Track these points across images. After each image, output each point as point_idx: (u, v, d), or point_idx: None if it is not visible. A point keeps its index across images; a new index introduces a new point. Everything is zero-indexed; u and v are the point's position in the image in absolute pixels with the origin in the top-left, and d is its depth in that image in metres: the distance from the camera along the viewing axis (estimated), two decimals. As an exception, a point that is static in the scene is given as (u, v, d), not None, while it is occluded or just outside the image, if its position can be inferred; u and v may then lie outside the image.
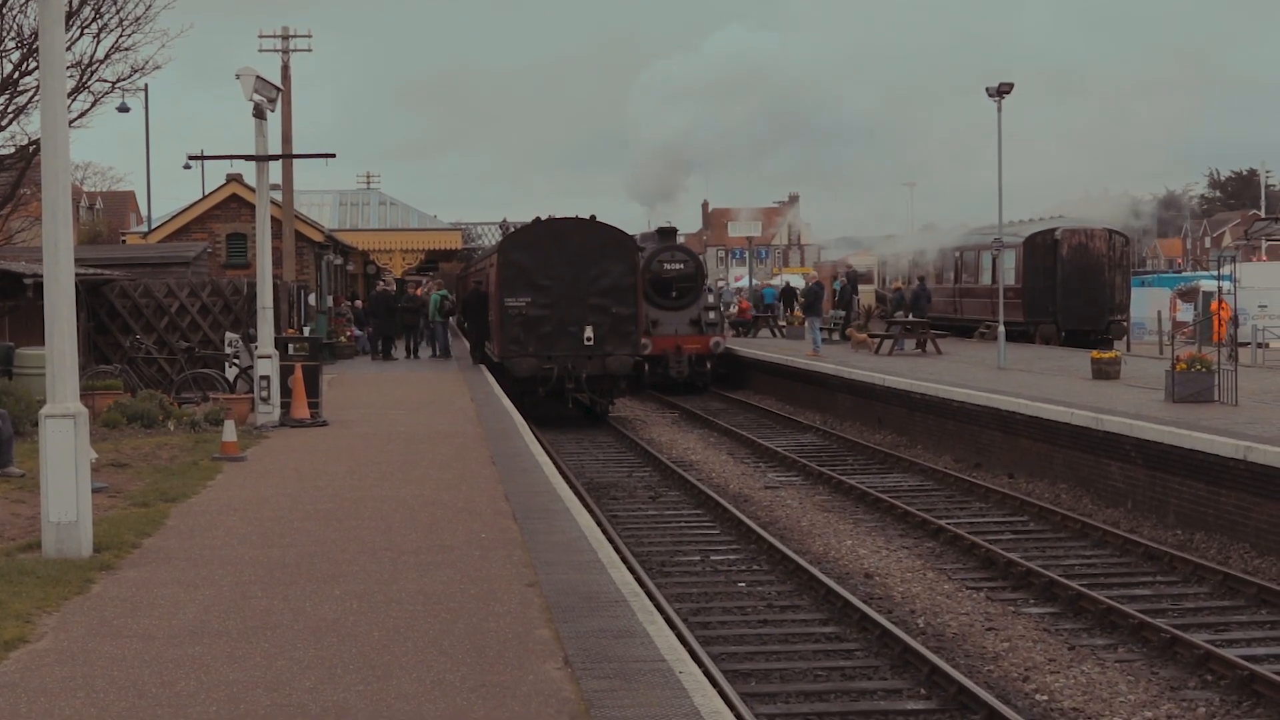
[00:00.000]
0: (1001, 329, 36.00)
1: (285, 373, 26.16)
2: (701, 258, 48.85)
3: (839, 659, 14.25)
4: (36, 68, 25.99)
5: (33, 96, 31.42)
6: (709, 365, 44.77)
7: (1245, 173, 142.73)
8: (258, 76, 25.34)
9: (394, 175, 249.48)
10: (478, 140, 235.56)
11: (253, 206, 31.77)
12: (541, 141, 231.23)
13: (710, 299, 46.28)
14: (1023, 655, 14.46)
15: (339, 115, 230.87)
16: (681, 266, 45.32)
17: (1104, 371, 30.13)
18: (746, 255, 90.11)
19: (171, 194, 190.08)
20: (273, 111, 27.05)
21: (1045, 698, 13.09)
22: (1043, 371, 32.72)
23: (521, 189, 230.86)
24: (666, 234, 46.81)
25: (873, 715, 12.50)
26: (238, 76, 25.18)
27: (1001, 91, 36.15)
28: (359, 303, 56.01)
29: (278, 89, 28.06)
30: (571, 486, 22.55)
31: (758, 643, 14.89)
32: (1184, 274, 73.98)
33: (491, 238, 73.70)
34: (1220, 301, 36.69)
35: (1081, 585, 16.72)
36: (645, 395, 43.30)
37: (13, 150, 33.95)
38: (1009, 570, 17.99)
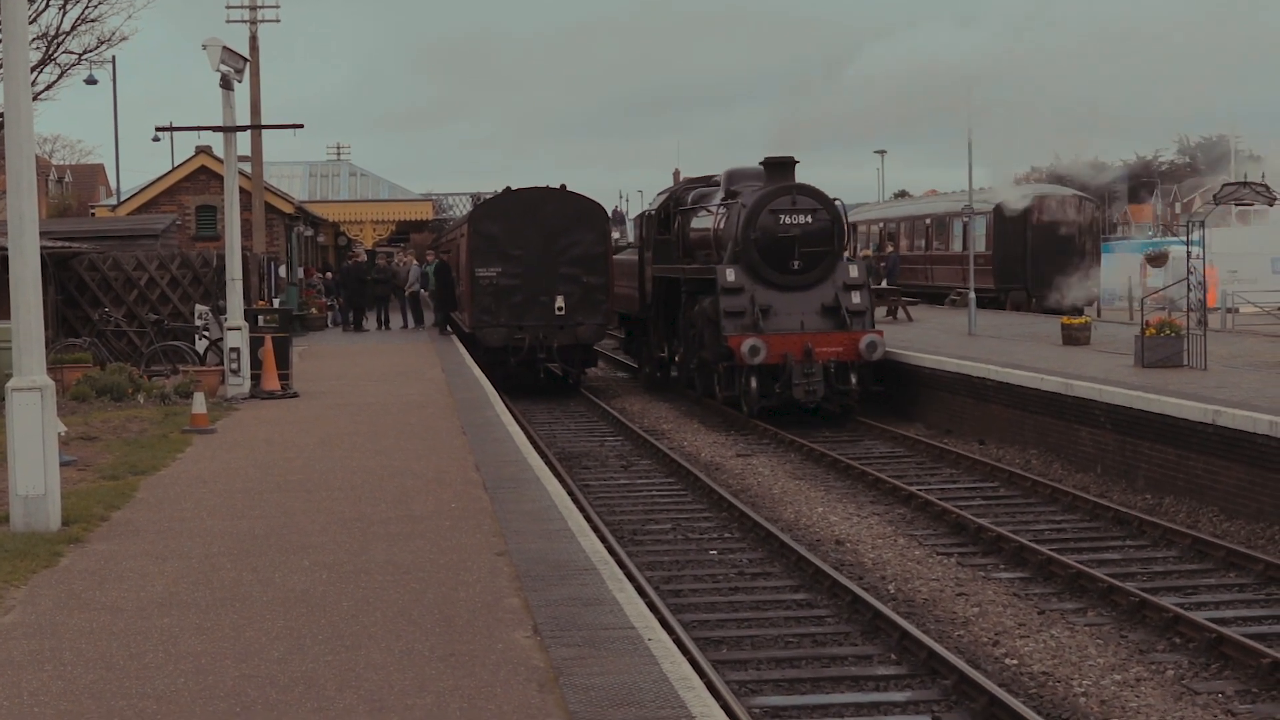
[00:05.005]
0: (972, 295, 36.05)
1: (255, 345, 26.11)
2: (841, 205, 30.91)
3: (810, 625, 14.28)
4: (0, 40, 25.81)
5: (-3, 69, 31.23)
6: (854, 379, 28.73)
7: (1215, 138, 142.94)
8: (224, 47, 25.22)
9: (365, 147, 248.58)
10: (458, 110, 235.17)
11: (222, 178, 31.63)
12: (531, 111, 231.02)
13: (854, 271, 30.26)
14: (993, 620, 14.51)
15: (311, 85, 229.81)
16: (808, 219, 29.83)
17: (1074, 337, 30.20)
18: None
19: (142, 167, 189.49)
20: (240, 82, 26.94)
21: (1015, 662, 13.14)
22: (1013, 338, 32.79)
23: (508, 158, 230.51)
24: (779, 169, 30.81)
25: (843, 681, 12.54)
26: (204, 47, 25.07)
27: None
28: (329, 274, 55.88)
29: (245, 59, 27.94)
30: (543, 456, 22.53)
31: (729, 610, 14.91)
32: (1154, 239, 74.11)
33: (463, 209, 73.46)
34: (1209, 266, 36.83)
35: (1051, 550, 16.77)
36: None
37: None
38: (979, 536, 18.04)
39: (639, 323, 37.80)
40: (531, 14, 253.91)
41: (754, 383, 28.47)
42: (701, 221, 33.08)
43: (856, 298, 29.58)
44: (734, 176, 32.45)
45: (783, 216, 29.69)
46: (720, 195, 32.48)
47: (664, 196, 37.03)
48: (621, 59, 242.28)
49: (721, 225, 31.27)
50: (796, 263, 29.49)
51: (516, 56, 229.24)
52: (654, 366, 36.84)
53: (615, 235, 49.08)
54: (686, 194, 35.33)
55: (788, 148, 30.83)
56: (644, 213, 38.21)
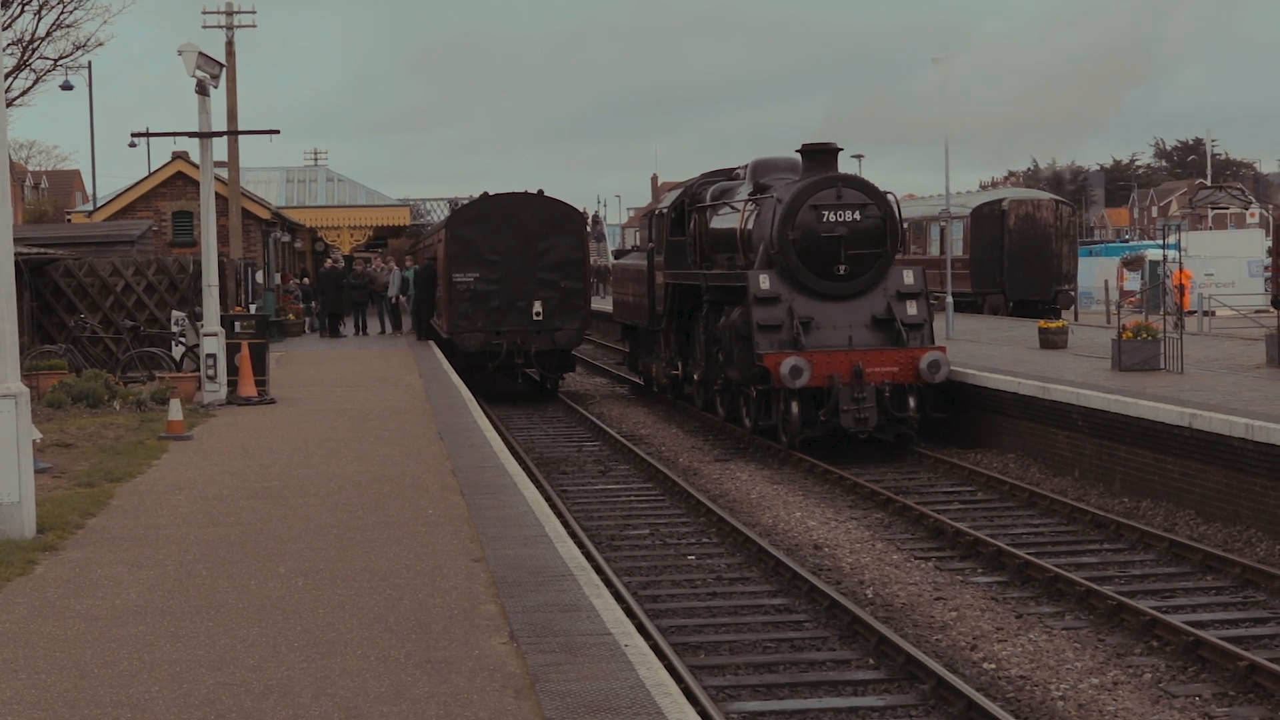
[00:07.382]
0: (949, 299, 36.09)
1: (232, 351, 26.05)
2: (894, 200, 26.63)
3: (788, 630, 14.26)
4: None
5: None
6: (912, 404, 24.91)
7: (1191, 142, 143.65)
8: (200, 53, 25.15)
9: (343, 152, 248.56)
10: (436, 116, 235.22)
11: (199, 184, 31.55)
12: (512, 116, 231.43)
13: (909, 277, 26.19)
14: (970, 624, 14.51)
15: (287, 91, 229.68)
16: (856, 216, 25.56)
17: (1051, 341, 30.24)
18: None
19: (118, 173, 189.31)
20: (216, 88, 26.85)
21: (993, 666, 13.14)
22: (991, 341, 32.83)
23: (487, 164, 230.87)
24: (818, 158, 26.49)
25: (821, 686, 12.52)
26: (180, 53, 25.00)
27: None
28: (306, 280, 55.81)
29: (221, 65, 27.87)
30: (520, 461, 22.52)
31: (707, 615, 14.88)
32: (1130, 243, 74.44)
33: (440, 214, 73.40)
34: (1182, 270, 36.99)
35: (1029, 554, 16.78)
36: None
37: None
38: (957, 540, 18.04)
39: (649, 335, 33.66)
40: (518, 17, 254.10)
41: (795, 409, 24.46)
42: (725, 220, 28.77)
43: (913, 308, 25.60)
44: (762, 168, 28.22)
45: (826, 213, 25.44)
46: (747, 189, 28.30)
47: (677, 193, 32.67)
48: (607, 63, 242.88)
49: (750, 224, 27.07)
50: (843, 267, 25.46)
51: (499, 62, 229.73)
52: (666, 386, 32.86)
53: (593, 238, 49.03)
54: (704, 189, 30.79)
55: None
56: (654, 211, 34.93)
